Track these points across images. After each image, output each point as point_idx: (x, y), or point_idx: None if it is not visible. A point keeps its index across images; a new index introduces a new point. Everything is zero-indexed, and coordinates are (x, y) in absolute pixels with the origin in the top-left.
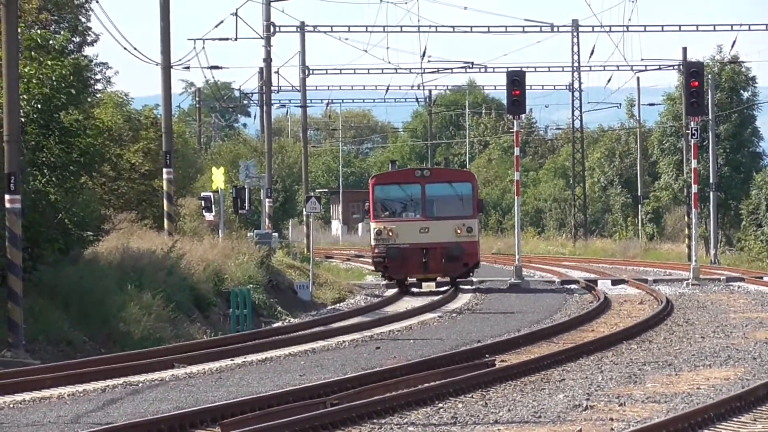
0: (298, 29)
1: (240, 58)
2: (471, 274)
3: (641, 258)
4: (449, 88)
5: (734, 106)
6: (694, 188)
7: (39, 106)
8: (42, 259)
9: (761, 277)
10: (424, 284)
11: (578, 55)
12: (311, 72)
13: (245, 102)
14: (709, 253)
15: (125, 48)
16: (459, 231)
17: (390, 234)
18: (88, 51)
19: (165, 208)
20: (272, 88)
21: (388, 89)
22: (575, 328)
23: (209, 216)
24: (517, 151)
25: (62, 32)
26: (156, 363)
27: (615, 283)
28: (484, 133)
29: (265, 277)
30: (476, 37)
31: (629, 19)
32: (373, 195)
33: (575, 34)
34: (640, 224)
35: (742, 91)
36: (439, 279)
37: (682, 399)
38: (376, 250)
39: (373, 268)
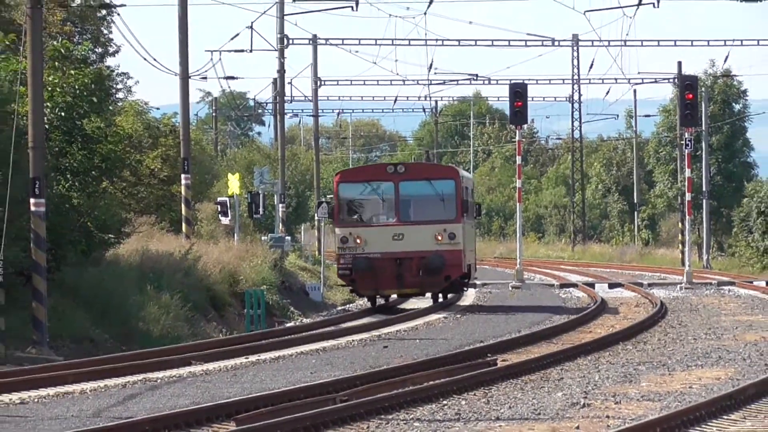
0: (311, 42)
1: (255, 69)
2: (464, 290)
3: (637, 262)
4: (455, 99)
5: (726, 117)
6: (688, 196)
7: (62, 113)
8: (65, 260)
9: (751, 282)
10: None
11: (578, 69)
12: (323, 83)
13: (260, 111)
14: (702, 258)
15: (145, 59)
16: (440, 238)
17: (357, 241)
18: (109, 61)
19: (183, 212)
20: (285, 98)
21: (396, 100)
22: (573, 329)
23: (225, 220)
24: (519, 159)
25: (85, 43)
26: (174, 360)
27: (612, 286)
28: (488, 143)
29: (278, 278)
30: (481, 51)
31: (627, 34)
32: (337, 195)
33: (575, 48)
34: (636, 230)
35: (734, 104)
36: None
37: (675, 398)
38: (341, 261)
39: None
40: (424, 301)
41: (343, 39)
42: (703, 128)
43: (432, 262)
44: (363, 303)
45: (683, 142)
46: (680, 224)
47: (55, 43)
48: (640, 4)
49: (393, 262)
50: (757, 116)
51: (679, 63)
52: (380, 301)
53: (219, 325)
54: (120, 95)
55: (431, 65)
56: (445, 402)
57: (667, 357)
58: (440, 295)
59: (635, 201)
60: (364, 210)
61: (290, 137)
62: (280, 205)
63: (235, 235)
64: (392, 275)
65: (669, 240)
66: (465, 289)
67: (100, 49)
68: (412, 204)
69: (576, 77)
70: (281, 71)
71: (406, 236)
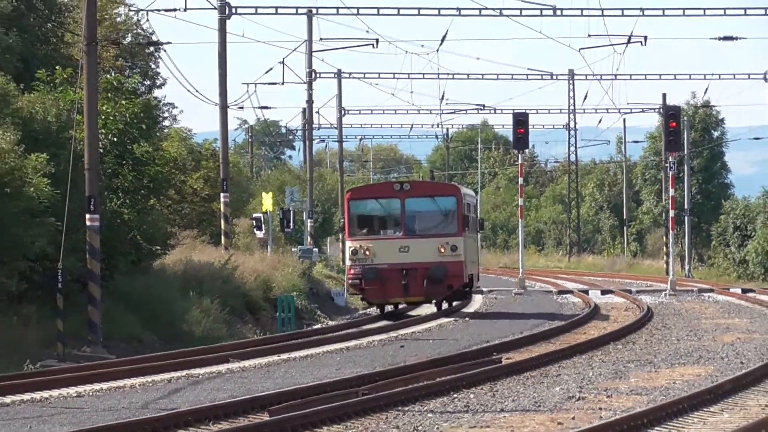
0: (336, 76)
1: (286, 99)
2: (467, 297)
3: (626, 272)
4: (464, 126)
5: (706, 143)
6: (672, 213)
7: (115, 139)
8: (117, 269)
9: (728, 289)
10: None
11: (573, 99)
12: (347, 112)
13: (290, 137)
14: (684, 268)
15: (189, 90)
16: (442, 250)
17: (366, 253)
18: (157, 93)
19: (222, 226)
20: (313, 125)
21: (412, 127)
22: (570, 330)
23: (259, 234)
24: (521, 180)
25: (135, 77)
26: (213, 358)
27: (604, 293)
28: (494, 165)
29: (307, 285)
30: (487, 83)
31: (617, 69)
32: (348, 211)
33: (571, 81)
34: (625, 243)
35: (712, 131)
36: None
37: (660, 392)
38: (352, 271)
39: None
40: (432, 308)
41: (364, 73)
42: (686, 153)
43: (435, 272)
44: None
45: (667, 165)
46: (665, 238)
47: (108, 76)
48: (629, 42)
49: (399, 272)
50: (733, 142)
51: (664, 95)
52: (389, 308)
53: (254, 326)
54: (166, 123)
55: (443, 96)
56: (455, 395)
57: (653, 356)
58: (444, 302)
59: (625, 217)
60: (373, 224)
61: (317, 160)
62: (309, 221)
63: (269, 247)
64: (398, 285)
65: (655, 252)
66: (468, 296)
67: (148, 82)
68: (417, 219)
69: (572, 107)
70: (309, 102)
71: (411, 248)
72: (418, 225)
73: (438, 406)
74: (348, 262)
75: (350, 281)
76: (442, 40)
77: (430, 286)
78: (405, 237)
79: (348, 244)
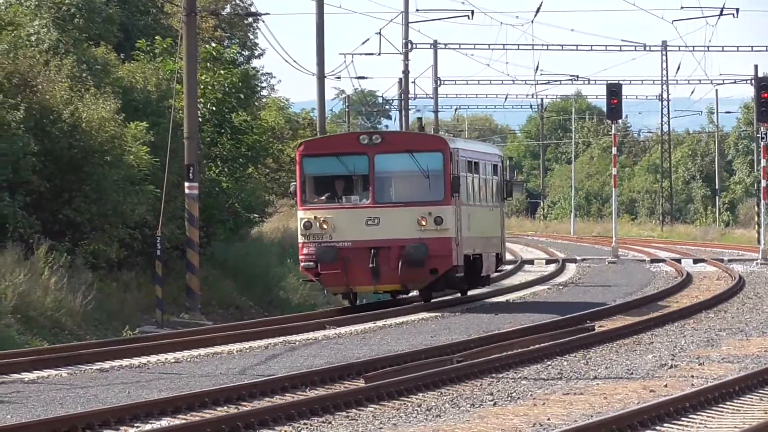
0: (432, 46)
1: (383, 70)
2: (486, 283)
3: (718, 241)
4: (558, 97)
5: None
6: (764, 183)
7: (214, 108)
8: (215, 236)
9: None
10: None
11: (666, 71)
12: (442, 82)
13: (387, 107)
14: None
15: (286, 61)
16: (423, 223)
17: (324, 227)
18: (255, 63)
19: None
20: (409, 95)
21: (506, 97)
22: (662, 299)
23: None
24: (614, 150)
25: (233, 47)
26: (310, 325)
27: (696, 262)
28: (587, 135)
29: None
30: (581, 54)
31: (709, 41)
32: (300, 170)
33: (664, 52)
34: (717, 213)
35: None
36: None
37: (752, 360)
38: (304, 251)
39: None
40: (522, 276)
41: (460, 44)
42: None
43: (414, 252)
44: None
45: (759, 135)
46: (756, 207)
47: (207, 46)
48: (721, 14)
49: (366, 252)
50: None
51: (756, 66)
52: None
53: None
54: (264, 92)
55: (537, 67)
56: (548, 363)
57: (744, 324)
58: (455, 292)
59: (717, 187)
60: (333, 189)
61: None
62: None
63: None
64: (365, 268)
65: (746, 221)
66: (482, 285)
67: (246, 52)
68: (391, 182)
69: (665, 78)
70: (406, 72)
71: (382, 221)
72: (393, 190)
73: (532, 373)
74: (300, 239)
75: (302, 264)
76: (537, 12)
77: (407, 270)
78: (374, 206)
79: (300, 214)
